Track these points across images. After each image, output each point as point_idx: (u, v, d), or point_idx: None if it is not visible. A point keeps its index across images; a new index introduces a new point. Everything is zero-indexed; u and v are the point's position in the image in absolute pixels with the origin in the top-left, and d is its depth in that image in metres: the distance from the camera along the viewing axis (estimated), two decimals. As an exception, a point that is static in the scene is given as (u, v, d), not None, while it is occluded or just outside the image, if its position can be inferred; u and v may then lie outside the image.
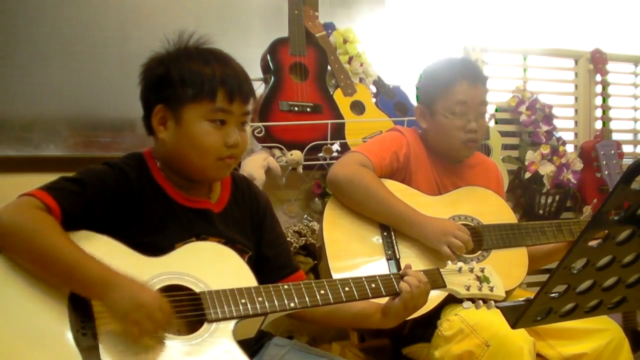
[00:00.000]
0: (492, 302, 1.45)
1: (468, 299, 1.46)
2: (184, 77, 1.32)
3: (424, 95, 2.01)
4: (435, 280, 1.45)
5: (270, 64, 2.34)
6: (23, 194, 1.24)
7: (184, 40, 1.39)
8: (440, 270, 1.48)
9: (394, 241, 1.83)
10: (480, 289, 1.46)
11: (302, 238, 2.25)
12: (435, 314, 1.71)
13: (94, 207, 1.27)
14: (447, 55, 2.10)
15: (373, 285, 1.39)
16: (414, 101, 2.59)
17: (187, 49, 1.38)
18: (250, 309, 1.26)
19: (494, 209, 1.97)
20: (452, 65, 1.98)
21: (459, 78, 1.92)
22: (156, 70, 1.36)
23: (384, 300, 1.44)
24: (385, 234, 1.84)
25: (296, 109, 2.32)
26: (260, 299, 1.28)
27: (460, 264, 1.50)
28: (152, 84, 1.36)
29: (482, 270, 1.50)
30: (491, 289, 1.48)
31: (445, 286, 1.46)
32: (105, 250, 1.22)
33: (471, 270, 1.49)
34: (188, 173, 1.39)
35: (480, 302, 1.45)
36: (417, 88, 2.06)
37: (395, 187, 1.88)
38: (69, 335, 1.13)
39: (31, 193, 1.23)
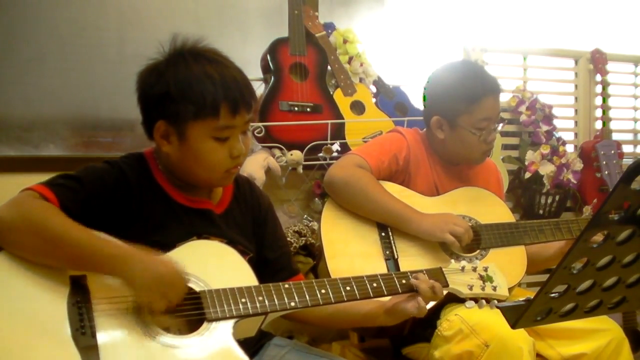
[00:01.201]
0: (495, 301, 1.44)
1: (471, 298, 1.45)
2: (184, 93, 1.29)
3: (444, 108, 1.93)
4: (438, 279, 1.45)
5: (270, 64, 2.34)
6: (23, 190, 1.24)
7: (178, 45, 1.35)
8: (443, 269, 1.48)
9: (392, 241, 1.83)
10: (483, 289, 1.45)
11: (302, 238, 2.25)
12: (435, 314, 1.71)
13: (92, 204, 1.27)
14: (458, 63, 2.08)
15: (375, 285, 1.39)
16: (414, 101, 2.60)
17: (183, 56, 1.33)
18: (250, 308, 1.26)
19: (492, 209, 1.97)
20: (476, 79, 1.92)
21: (485, 94, 1.90)
22: (155, 87, 1.32)
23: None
24: (383, 234, 1.84)
25: (296, 109, 2.32)
26: (260, 298, 1.28)
27: (463, 262, 1.49)
28: (152, 100, 1.33)
29: (486, 269, 1.48)
30: (494, 288, 1.46)
31: (447, 285, 1.45)
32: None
33: (474, 269, 1.48)
34: (194, 183, 1.40)
35: (483, 301, 1.44)
36: (425, 96, 2.00)
37: (392, 189, 1.88)
38: (68, 334, 1.13)
39: (31, 188, 1.24)
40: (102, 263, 1.17)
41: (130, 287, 1.17)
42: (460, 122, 1.91)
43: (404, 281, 1.42)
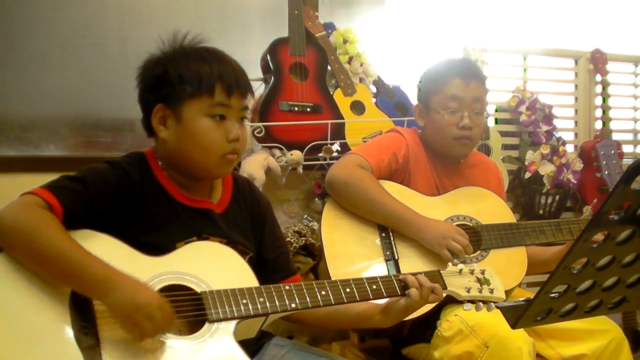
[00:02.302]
0: (492, 304, 1.45)
1: (468, 301, 1.46)
2: (181, 75, 1.33)
3: (421, 94, 2.03)
4: (436, 282, 1.45)
5: (270, 64, 2.34)
6: (25, 193, 1.24)
7: (179, 40, 1.39)
8: (441, 272, 1.48)
9: (393, 242, 1.83)
10: (480, 291, 1.46)
11: (302, 238, 2.25)
12: (434, 314, 1.71)
13: (95, 205, 1.27)
14: (447, 56, 2.09)
15: (374, 287, 1.39)
16: (414, 101, 2.60)
17: (183, 49, 1.38)
18: (251, 309, 1.26)
19: (493, 209, 1.97)
20: (448, 62, 1.99)
21: (453, 74, 1.93)
22: (154, 71, 1.36)
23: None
24: (383, 234, 1.84)
25: (296, 109, 2.32)
26: (261, 299, 1.28)
27: (460, 265, 1.50)
28: (150, 85, 1.36)
29: (483, 272, 1.50)
30: (491, 291, 1.47)
31: (445, 288, 1.46)
32: (106, 249, 1.22)
33: (472, 272, 1.49)
34: (191, 171, 1.39)
35: (481, 304, 1.44)
36: (417, 87, 2.07)
37: (393, 188, 1.88)
38: (70, 335, 1.13)
39: (33, 192, 1.23)
40: (87, 285, 1.17)
41: (111, 312, 1.16)
42: (431, 105, 1.95)
43: (403, 283, 1.42)
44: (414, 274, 1.43)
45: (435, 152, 2.00)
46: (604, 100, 3.01)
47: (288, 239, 2.18)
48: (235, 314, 1.24)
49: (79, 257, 1.17)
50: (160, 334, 1.17)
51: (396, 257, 1.80)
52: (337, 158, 2.13)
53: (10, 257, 1.18)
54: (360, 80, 2.53)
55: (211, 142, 1.34)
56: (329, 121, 2.35)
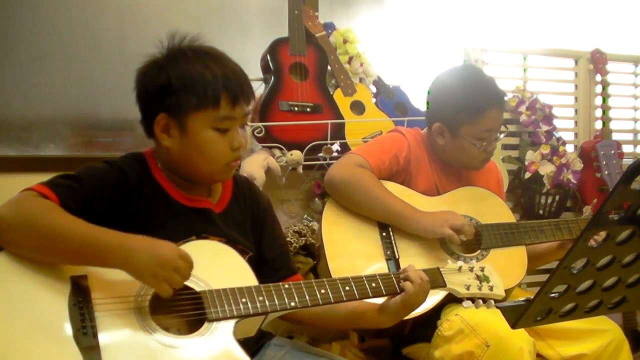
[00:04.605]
0: (492, 301, 1.45)
1: (468, 298, 1.46)
2: (185, 84, 1.31)
3: (446, 116, 1.92)
4: (436, 279, 1.46)
5: (270, 64, 2.34)
6: (22, 190, 1.24)
7: (177, 42, 1.37)
8: (440, 269, 1.49)
9: (393, 241, 1.83)
10: (480, 288, 1.47)
11: (302, 238, 2.25)
12: (435, 314, 1.71)
13: (91, 204, 1.27)
14: (462, 70, 2.05)
15: (373, 285, 1.40)
16: (414, 101, 2.60)
17: (183, 52, 1.36)
18: (250, 308, 1.26)
19: (493, 209, 1.97)
20: (480, 89, 1.90)
21: (490, 106, 1.89)
22: (156, 79, 1.33)
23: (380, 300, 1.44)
24: (384, 233, 1.84)
25: (296, 109, 2.32)
26: (260, 298, 1.28)
27: (460, 263, 1.51)
28: (153, 92, 1.34)
29: (482, 270, 1.50)
30: (491, 288, 1.48)
31: (445, 285, 1.46)
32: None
33: (471, 270, 1.50)
34: (195, 178, 1.40)
35: (480, 301, 1.45)
36: (428, 102, 2.00)
37: (393, 188, 1.88)
38: (69, 334, 1.13)
39: (30, 188, 1.23)
40: (104, 255, 1.16)
41: (135, 276, 1.16)
42: (462, 132, 1.90)
43: (402, 282, 1.42)
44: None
45: (444, 160, 2.00)
46: (604, 100, 3.01)
47: (288, 239, 2.18)
48: (235, 313, 1.24)
49: (87, 231, 1.17)
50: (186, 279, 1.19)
51: (397, 256, 1.80)
52: (337, 158, 2.12)
53: (11, 254, 1.18)
54: (360, 80, 2.53)
55: (216, 152, 1.35)
56: (329, 121, 2.35)
